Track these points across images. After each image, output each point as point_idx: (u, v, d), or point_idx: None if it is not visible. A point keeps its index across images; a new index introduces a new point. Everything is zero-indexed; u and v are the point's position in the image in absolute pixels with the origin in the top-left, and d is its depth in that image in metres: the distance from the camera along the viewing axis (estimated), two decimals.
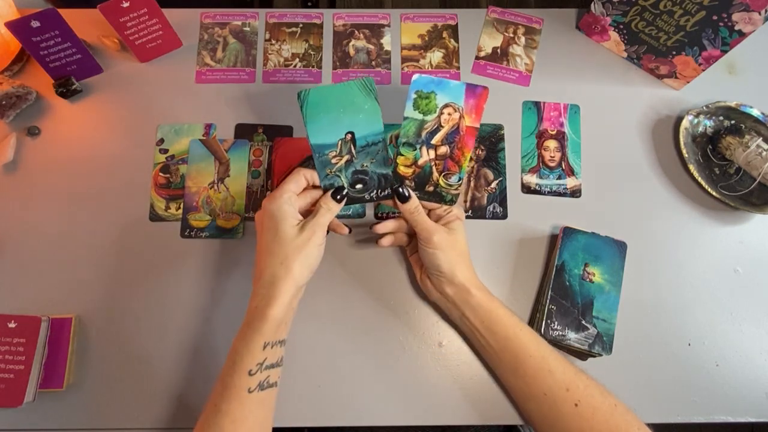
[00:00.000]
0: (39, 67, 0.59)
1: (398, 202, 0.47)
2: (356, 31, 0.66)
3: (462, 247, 0.48)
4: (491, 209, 0.58)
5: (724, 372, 0.53)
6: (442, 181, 0.47)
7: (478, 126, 0.46)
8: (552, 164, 0.60)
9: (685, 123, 0.59)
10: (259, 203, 0.58)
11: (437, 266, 0.47)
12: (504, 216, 0.58)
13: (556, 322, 0.50)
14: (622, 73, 0.64)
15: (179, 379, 0.52)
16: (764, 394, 0.52)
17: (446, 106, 0.45)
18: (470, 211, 0.58)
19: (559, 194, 0.59)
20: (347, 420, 0.51)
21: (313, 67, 0.64)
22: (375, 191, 0.47)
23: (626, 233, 0.54)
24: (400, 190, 0.47)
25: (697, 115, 0.60)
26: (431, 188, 0.48)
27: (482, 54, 0.65)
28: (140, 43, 0.61)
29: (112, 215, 0.57)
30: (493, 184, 0.59)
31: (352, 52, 0.65)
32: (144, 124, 0.60)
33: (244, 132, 0.60)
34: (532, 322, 0.53)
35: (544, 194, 0.59)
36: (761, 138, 0.57)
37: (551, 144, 0.60)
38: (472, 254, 0.55)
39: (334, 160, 0.46)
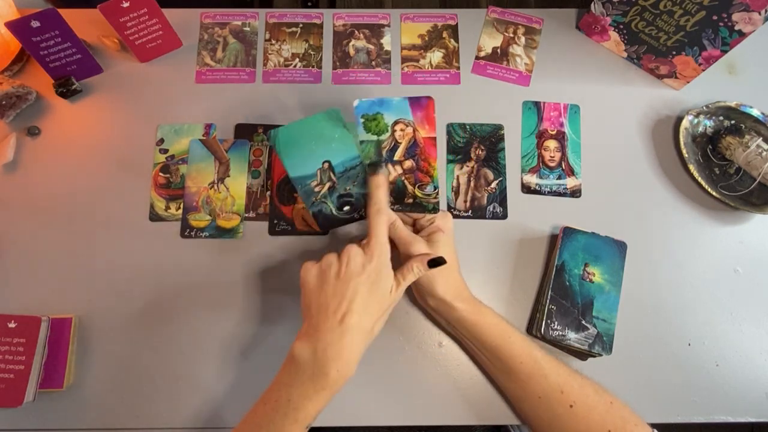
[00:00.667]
0: (39, 67, 0.59)
1: (371, 174, 0.46)
2: (356, 31, 0.66)
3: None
4: (491, 209, 0.58)
5: (724, 372, 0.53)
6: (418, 193, 0.48)
7: (434, 135, 0.47)
8: (552, 164, 0.60)
9: (685, 123, 0.59)
10: (259, 203, 0.58)
11: (417, 280, 0.46)
12: (504, 216, 0.58)
13: (556, 322, 0.50)
14: (622, 73, 0.64)
15: (179, 379, 0.52)
16: (764, 394, 0.52)
17: (396, 123, 0.46)
18: (470, 211, 0.58)
19: (559, 194, 0.59)
20: (346, 420, 0.51)
21: (313, 67, 0.64)
22: (363, 210, 0.48)
23: (626, 233, 0.54)
24: (375, 166, 0.46)
25: (697, 115, 0.60)
26: (410, 200, 0.48)
27: (482, 54, 0.65)
28: (140, 43, 0.61)
29: (112, 215, 0.57)
30: (493, 184, 0.59)
31: (352, 52, 0.65)
32: (144, 124, 0.60)
33: (244, 132, 0.60)
34: (532, 322, 0.54)
35: (544, 194, 0.59)
36: (761, 138, 0.57)
37: (551, 144, 0.60)
38: (472, 254, 0.56)
39: (317, 188, 0.47)
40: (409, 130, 0.46)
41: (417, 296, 0.51)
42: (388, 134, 0.46)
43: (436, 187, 0.47)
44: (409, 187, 0.47)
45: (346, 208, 0.48)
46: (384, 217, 0.44)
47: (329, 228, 0.49)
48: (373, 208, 0.44)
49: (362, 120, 0.46)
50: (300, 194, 0.47)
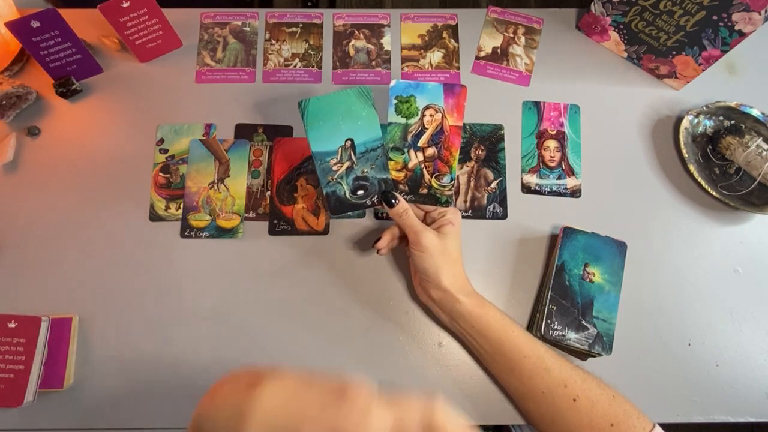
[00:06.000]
0: (39, 67, 0.59)
1: (386, 207, 0.48)
2: (356, 31, 0.66)
3: (452, 253, 0.48)
4: (491, 209, 0.58)
5: (724, 372, 0.53)
6: (434, 183, 0.48)
7: (461, 124, 0.47)
8: (552, 164, 0.60)
9: (685, 123, 0.59)
10: (259, 203, 0.58)
11: (424, 269, 0.47)
12: (504, 216, 0.58)
13: (556, 322, 0.50)
14: (622, 73, 0.64)
15: (179, 379, 0.52)
16: (764, 394, 0.52)
17: (427, 107, 0.46)
18: (470, 211, 0.58)
19: (559, 194, 0.59)
20: None
21: (313, 67, 0.64)
22: (375, 196, 0.48)
23: (626, 233, 0.54)
24: (388, 196, 0.48)
25: (697, 115, 0.60)
26: (425, 190, 0.48)
27: (482, 54, 0.65)
28: (140, 43, 0.61)
29: (112, 215, 0.57)
30: (493, 184, 0.59)
31: (352, 52, 0.65)
32: (144, 124, 0.60)
33: (244, 132, 0.60)
34: (532, 322, 0.53)
35: (544, 194, 0.59)
36: (761, 138, 0.57)
37: (551, 144, 0.60)
38: (473, 255, 0.55)
39: (335, 167, 0.47)
40: (438, 116, 0.46)
41: (419, 289, 0.51)
42: (417, 118, 0.46)
43: (452, 179, 0.48)
44: (426, 176, 0.48)
45: (360, 192, 0.48)
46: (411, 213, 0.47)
47: (339, 212, 0.49)
48: (401, 218, 0.47)
49: (395, 101, 0.46)
50: (317, 170, 0.47)
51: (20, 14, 0.61)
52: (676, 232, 0.58)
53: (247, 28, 0.66)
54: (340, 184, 0.47)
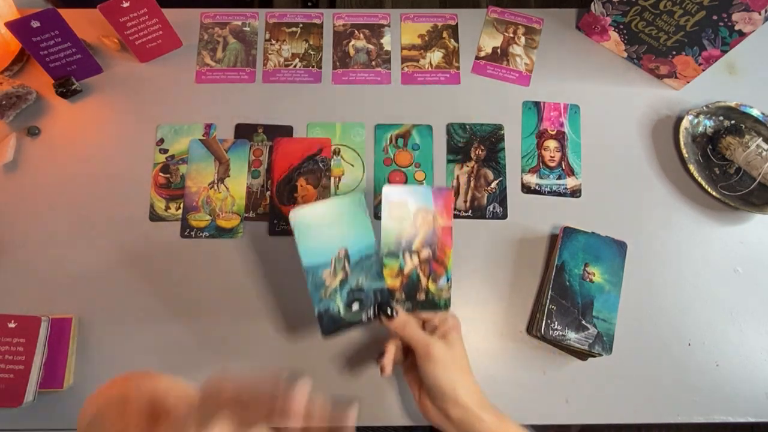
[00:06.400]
0: (39, 67, 0.59)
1: (385, 320, 0.44)
2: (356, 31, 0.66)
3: (463, 362, 0.44)
4: (491, 209, 0.58)
5: (724, 372, 0.53)
6: (431, 286, 0.47)
7: (450, 225, 0.47)
8: (552, 164, 0.60)
9: (685, 123, 0.59)
10: (259, 203, 0.58)
11: (439, 386, 0.42)
12: (504, 216, 0.58)
13: (556, 322, 0.50)
14: (622, 73, 0.64)
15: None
16: (764, 394, 0.52)
17: (419, 210, 0.46)
18: (470, 211, 0.58)
19: (559, 194, 0.59)
20: None
21: (313, 67, 0.64)
22: (372, 309, 0.46)
23: (626, 233, 0.54)
24: (386, 308, 0.44)
25: (697, 115, 0.60)
26: (423, 296, 0.47)
27: (482, 54, 0.65)
28: (140, 43, 0.61)
29: (112, 215, 0.57)
30: (493, 184, 0.59)
31: (352, 52, 0.65)
32: (144, 124, 0.60)
33: (244, 132, 0.60)
34: (532, 322, 0.54)
35: (544, 194, 0.59)
36: (761, 138, 0.57)
37: (551, 144, 0.60)
38: (473, 254, 0.56)
39: (327, 281, 0.44)
40: (430, 218, 0.46)
41: (430, 409, 0.44)
42: (410, 221, 0.46)
43: (449, 279, 0.47)
44: (423, 280, 0.47)
45: (355, 306, 0.45)
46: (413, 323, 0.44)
47: (332, 333, 0.45)
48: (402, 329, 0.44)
49: (388, 206, 0.46)
50: (308, 286, 0.44)
51: (20, 14, 0.61)
52: (676, 232, 0.58)
53: (247, 28, 0.66)
54: (334, 300, 0.45)
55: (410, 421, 0.51)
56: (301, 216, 0.43)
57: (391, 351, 0.45)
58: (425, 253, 0.47)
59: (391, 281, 0.46)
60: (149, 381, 0.34)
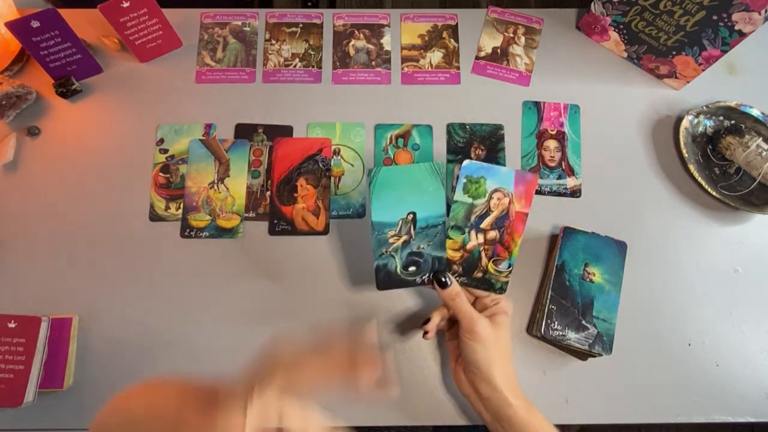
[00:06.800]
0: (39, 67, 0.59)
1: (438, 288, 0.45)
2: (356, 31, 0.66)
3: (505, 345, 0.45)
4: None
5: (724, 372, 0.53)
6: (491, 267, 0.46)
7: (527, 212, 0.46)
8: (552, 164, 0.60)
9: (685, 123, 0.59)
10: (259, 203, 0.58)
11: (475, 361, 0.43)
12: None
13: (556, 322, 0.50)
14: (622, 73, 0.64)
15: None
16: (764, 394, 0.52)
17: (496, 191, 0.46)
18: None
19: (559, 194, 0.59)
20: (344, 420, 0.51)
21: (313, 67, 0.64)
22: (427, 274, 0.46)
23: (626, 233, 0.54)
24: (441, 277, 0.45)
25: (697, 115, 0.60)
26: (480, 274, 0.46)
27: (482, 54, 0.65)
28: (140, 43, 0.61)
29: (112, 215, 0.57)
30: None
31: (352, 52, 0.65)
32: (144, 124, 0.60)
33: (244, 132, 0.60)
34: (533, 321, 0.54)
35: (544, 194, 0.59)
36: (761, 138, 0.57)
37: (551, 144, 0.60)
38: None
39: (391, 240, 0.45)
40: (506, 200, 0.46)
41: (463, 380, 0.46)
42: (484, 199, 0.46)
43: (510, 265, 0.46)
44: (484, 260, 0.46)
45: (412, 268, 0.46)
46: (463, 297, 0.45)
47: (386, 288, 0.46)
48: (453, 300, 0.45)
49: (464, 180, 0.45)
50: (372, 241, 0.45)
51: (20, 14, 0.61)
52: (676, 232, 0.58)
53: (247, 28, 0.66)
54: (393, 257, 0.46)
55: (414, 421, 0.51)
56: (382, 173, 0.44)
57: (437, 318, 0.47)
58: (492, 234, 0.46)
59: (452, 253, 0.46)
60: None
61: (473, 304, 0.48)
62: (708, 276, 0.56)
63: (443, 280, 0.45)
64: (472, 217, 0.46)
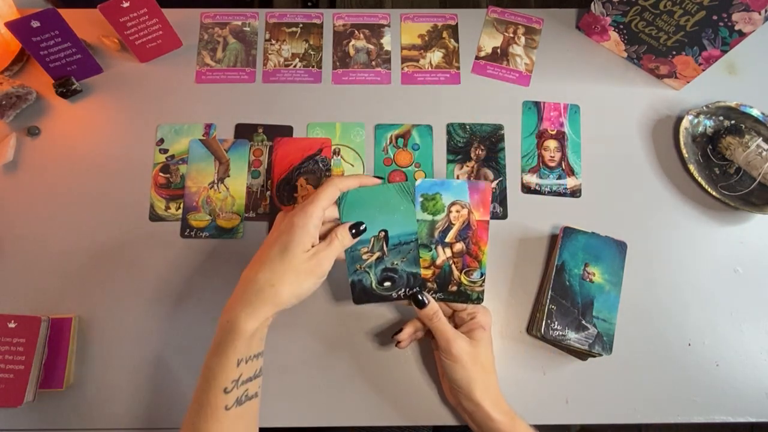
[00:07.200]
0: (39, 67, 0.59)
1: (416, 308, 0.46)
2: (356, 31, 0.66)
3: (485, 361, 0.45)
4: (491, 209, 0.58)
5: (724, 372, 0.53)
6: (464, 279, 0.47)
7: (488, 219, 0.46)
8: (552, 164, 0.60)
9: (685, 123, 0.59)
10: (259, 203, 0.58)
11: (455, 380, 0.44)
12: (504, 216, 0.58)
13: (556, 322, 0.50)
14: (622, 73, 0.64)
15: (179, 379, 0.52)
16: (764, 394, 0.52)
17: (453, 204, 0.46)
18: None
19: (559, 194, 0.59)
20: (345, 420, 0.51)
21: (313, 67, 0.64)
22: (403, 290, 0.47)
23: (626, 233, 0.54)
24: (418, 296, 0.46)
25: (697, 115, 0.60)
26: (455, 288, 0.47)
27: (482, 54, 0.65)
28: (140, 43, 0.61)
29: (112, 215, 0.57)
30: (493, 184, 0.59)
31: (352, 52, 0.65)
32: (144, 124, 0.60)
33: (244, 132, 0.60)
34: (532, 322, 0.54)
35: (544, 194, 0.59)
36: (761, 138, 0.57)
37: (551, 144, 0.60)
38: None
39: (365, 256, 0.46)
40: (464, 212, 0.46)
41: (450, 397, 0.49)
42: (443, 214, 0.46)
43: (482, 274, 0.47)
44: (456, 273, 0.47)
45: (387, 283, 0.47)
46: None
47: (362, 302, 0.47)
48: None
49: (421, 199, 0.46)
50: (346, 258, 0.46)
51: (20, 14, 0.61)
52: (676, 232, 0.58)
53: (247, 28, 0.66)
54: (368, 273, 0.46)
55: (415, 421, 0.51)
56: (351, 194, 0.45)
57: (410, 329, 0.48)
58: (458, 246, 0.47)
59: (424, 272, 0.47)
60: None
61: (452, 317, 0.48)
62: (708, 276, 0.56)
63: (420, 299, 0.46)
64: (436, 233, 0.46)
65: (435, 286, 0.47)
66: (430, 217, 0.46)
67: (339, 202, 0.45)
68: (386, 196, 0.45)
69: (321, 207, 0.42)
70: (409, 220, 0.46)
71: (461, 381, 0.44)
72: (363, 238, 0.45)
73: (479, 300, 0.47)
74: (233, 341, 0.39)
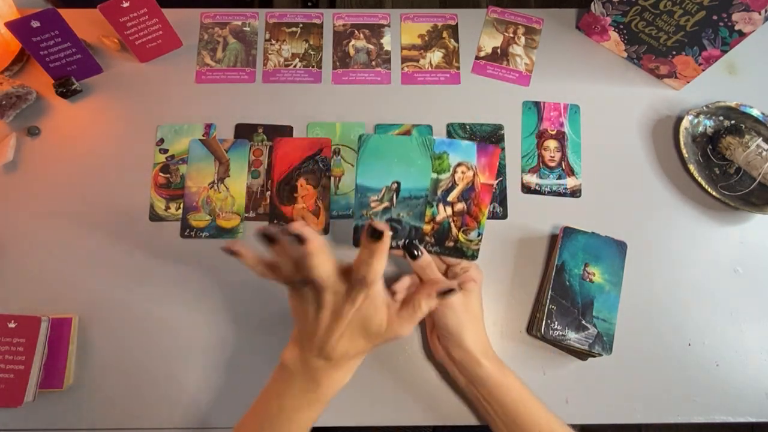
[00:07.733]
0: (39, 67, 0.59)
1: (409, 259, 0.46)
2: (356, 31, 0.66)
3: (475, 311, 0.46)
4: (491, 209, 0.58)
5: (724, 372, 0.53)
6: (461, 237, 0.47)
7: (493, 183, 0.47)
8: (552, 164, 0.60)
9: (685, 123, 0.59)
10: (259, 203, 0.58)
11: (446, 326, 0.45)
12: (504, 216, 0.58)
13: (556, 322, 0.50)
14: (622, 73, 0.64)
15: (179, 379, 0.52)
16: (764, 394, 0.52)
17: (459, 164, 0.46)
18: None
19: (559, 194, 0.59)
20: (344, 420, 0.51)
21: (313, 67, 0.64)
22: (403, 240, 0.47)
23: (626, 233, 0.54)
24: (412, 249, 0.46)
25: (697, 115, 0.60)
26: (451, 243, 0.47)
27: (482, 54, 0.65)
28: (140, 43, 0.61)
29: (112, 215, 0.57)
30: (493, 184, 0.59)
31: (352, 52, 0.65)
32: (144, 124, 0.60)
33: (244, 132, 0.60)
34: (532, 322, 0.54)
35: (544, 194, 0.59)
36: (761, 138, 0.57)
37: (551, 144, 0.60)
38: None
39: (373, 204, 0.46)
40: (470, 173, 0.46)
41: (437, 347, 0.49)
42: (448, 174, 0.46)
43: (480, 234, 0.47)
44: (454, 230, 0.47)
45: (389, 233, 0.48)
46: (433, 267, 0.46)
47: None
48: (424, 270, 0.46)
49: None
50: (354, 203, 0.46)
51: (20, 14, 0.61)
52: (676, 232, 0.58)
53: (247, 28, 0.66)
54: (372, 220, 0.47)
55: (414, 421, 0.51)
56: (372, 140, 0.45)
57: (407, 281, 0.47)
58: (459, 206, 0.47)
59: (423, 226, 0.47)
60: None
61: (445, 272, 0.49)
62: (708, 276, 0.56)
63: (414, 252, 0.46)
64: (439, 191, 0.47)
65: (432, 239, 0.48)
66: (434, 175, 0.46)
67: (359, 147, 0.45)
68: (406, 148, 0.45)
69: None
70: (423, 176, 0.46)
71: (453, 327, 0.45)
72: (375, 186, 0.46)
73: (473, 257, 0.48)
74: (319, 404, 0.42)
